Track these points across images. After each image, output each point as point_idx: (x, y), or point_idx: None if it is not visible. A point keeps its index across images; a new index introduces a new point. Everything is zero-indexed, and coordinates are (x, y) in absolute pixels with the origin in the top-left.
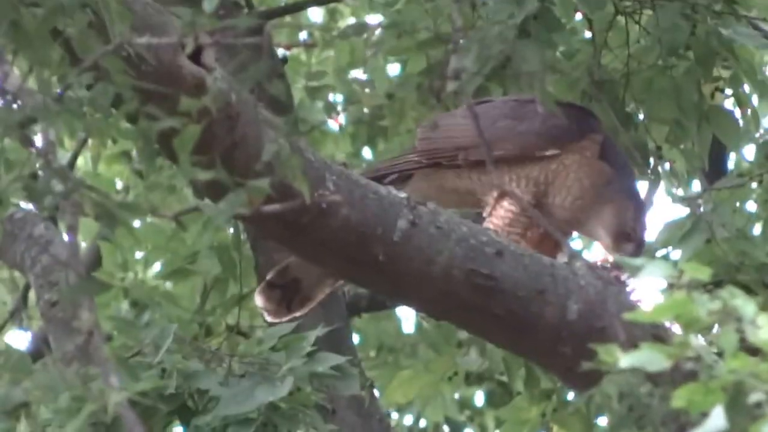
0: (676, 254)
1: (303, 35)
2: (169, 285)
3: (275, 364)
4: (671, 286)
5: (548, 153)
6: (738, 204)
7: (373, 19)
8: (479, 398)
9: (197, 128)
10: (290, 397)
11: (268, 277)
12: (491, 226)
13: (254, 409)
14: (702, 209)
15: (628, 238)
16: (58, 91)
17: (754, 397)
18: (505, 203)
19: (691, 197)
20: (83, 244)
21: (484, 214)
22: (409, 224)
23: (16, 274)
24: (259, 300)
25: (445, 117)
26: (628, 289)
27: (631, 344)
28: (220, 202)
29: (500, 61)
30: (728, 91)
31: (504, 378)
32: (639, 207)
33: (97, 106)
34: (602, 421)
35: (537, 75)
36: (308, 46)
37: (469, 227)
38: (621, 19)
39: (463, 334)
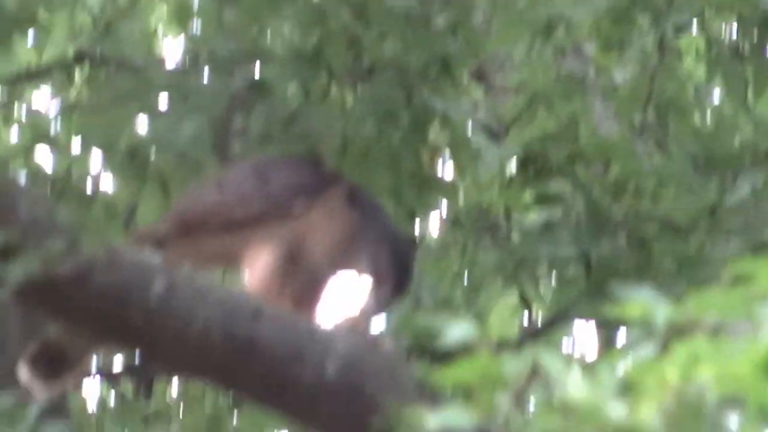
0: None
1: None
2: None
3: None
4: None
5: (296, 209)
6: None
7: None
8: None
9: None
10: None
11: (26, 354)
12: (249, 286)
13: None
14: None
15: (383, 281)
16: None
17: None
18: (262, 260)
19: None
20: None
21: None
22: (165, 289)
23: None
24: (23, 375)
25: (196, 186)
26: (385, 345)
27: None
28: None
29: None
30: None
31: None
32: (393, 248)
33: None
34: None
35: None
36: None
37: (226, 289)
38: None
39: None
